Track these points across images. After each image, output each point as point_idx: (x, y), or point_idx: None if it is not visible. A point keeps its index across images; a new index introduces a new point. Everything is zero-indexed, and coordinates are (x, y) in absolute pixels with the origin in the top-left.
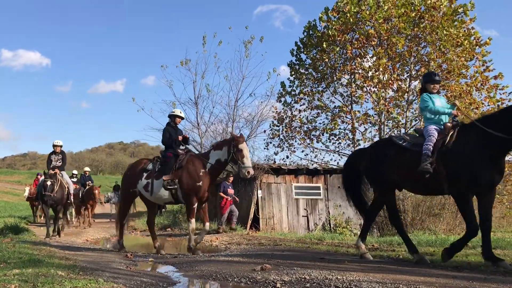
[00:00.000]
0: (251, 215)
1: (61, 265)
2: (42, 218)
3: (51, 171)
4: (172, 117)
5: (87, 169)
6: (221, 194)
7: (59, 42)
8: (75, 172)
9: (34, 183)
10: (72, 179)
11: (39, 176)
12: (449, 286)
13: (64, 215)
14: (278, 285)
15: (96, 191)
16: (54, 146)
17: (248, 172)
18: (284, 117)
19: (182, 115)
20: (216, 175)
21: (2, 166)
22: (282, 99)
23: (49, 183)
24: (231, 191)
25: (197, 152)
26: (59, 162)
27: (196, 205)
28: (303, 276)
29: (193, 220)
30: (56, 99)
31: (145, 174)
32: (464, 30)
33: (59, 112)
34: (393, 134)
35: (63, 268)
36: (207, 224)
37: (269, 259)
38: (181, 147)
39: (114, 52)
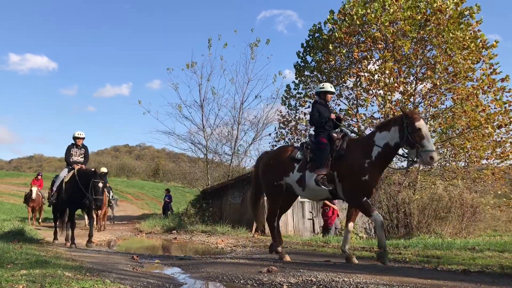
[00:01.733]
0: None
1: (68, 266)
2: (37, 221)
3: (77, 166)
4: (322, 94)
5: (104, 169)
6: (327, 202)
7: (67, 46)
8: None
9: (33, 182)
10: None
11: (39, 177)
12: None
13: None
14: (285, 287)
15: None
16: (75, 138)
17: (432, 158)
18: (289, 119)
19: (333, 90)
20: (385, 165)
21: (9, 169)
22: (287, 102)
23: (101, 185)
24: None
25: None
26: (81, 157)
27: (365, 199)
28: (309, 278)
29: (375, 213)
30: (62, 102)
31: (296, 165)
32: (471, 33)
33: (64, 115)
34: None
35: (70, 269)
36: (351, 224)
37: (275, 261)
38: (335, 130)
39: (120, 56)
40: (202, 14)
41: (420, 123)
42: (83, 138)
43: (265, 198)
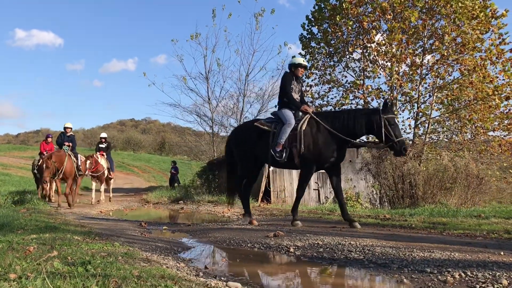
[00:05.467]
0: (262, 188)
1: (77, 231)
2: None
3: (307, 107)
4: None
5: (69, 125)
6: None
7: (73, 22)
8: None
9: (42, 147)
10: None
11: (49, 139)
12: (463, 251)
13: None
14: (292, 249)
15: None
16: (296, 65)
17: None
18: None
19: None
20: None
21: (16, 142)
22: None
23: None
24: None
25: None
26: (299, 95)
27: None
28: (316, 242)
29: None
30: (68, 77)
31: None
32: (480, 2)
33: (71, 90)
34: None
35: (79, 234)
36: None
37: (281, 228)
38: None
39: (125, 30)
40: None
41: None
42: (306, 68)
43: None
